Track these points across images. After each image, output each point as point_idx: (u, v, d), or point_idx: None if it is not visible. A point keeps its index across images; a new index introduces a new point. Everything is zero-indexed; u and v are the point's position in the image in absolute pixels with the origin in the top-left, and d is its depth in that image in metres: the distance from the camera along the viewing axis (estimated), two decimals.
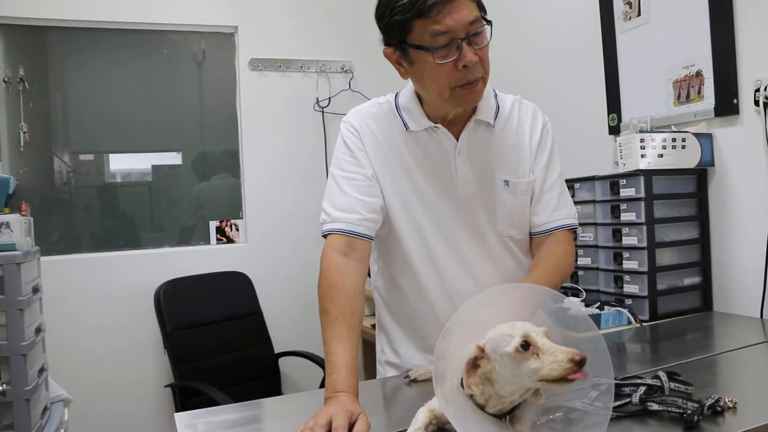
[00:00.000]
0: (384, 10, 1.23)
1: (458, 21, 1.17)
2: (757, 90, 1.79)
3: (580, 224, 2.03)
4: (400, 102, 1.39)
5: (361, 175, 1.34)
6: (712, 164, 1.94)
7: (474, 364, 0.85)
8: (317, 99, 3.47)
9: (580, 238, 2.06)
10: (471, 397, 0.88)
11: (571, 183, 2.07)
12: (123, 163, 3.31)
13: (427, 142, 1.36)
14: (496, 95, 1.41)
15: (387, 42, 1.27)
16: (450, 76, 1.22)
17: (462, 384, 0.87)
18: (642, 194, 1.82)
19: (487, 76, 1.26)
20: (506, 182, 1.38)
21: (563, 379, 0.80)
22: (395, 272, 1.43)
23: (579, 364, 0.78)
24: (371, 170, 1.35)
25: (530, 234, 1.45)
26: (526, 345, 0.80)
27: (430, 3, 1.16)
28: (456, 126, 1.36)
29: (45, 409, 2.00)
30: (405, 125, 1.36)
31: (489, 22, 1.23)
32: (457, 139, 1.35)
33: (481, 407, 0.87)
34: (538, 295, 0.96)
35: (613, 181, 1.91)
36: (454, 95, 1.25)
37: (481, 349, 0.85)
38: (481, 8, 1.23)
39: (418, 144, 1.36)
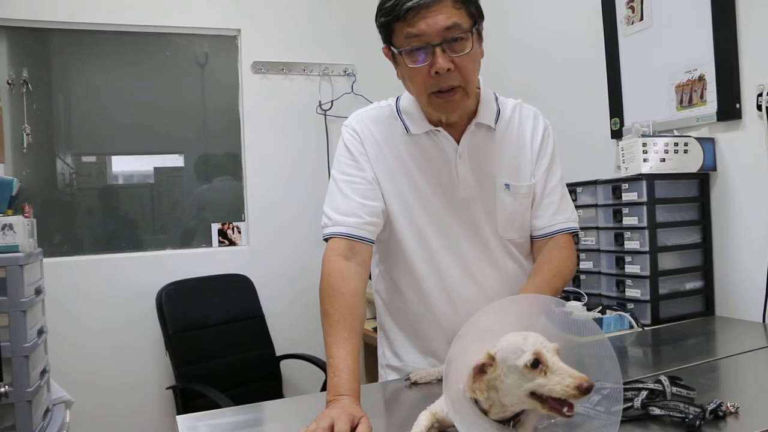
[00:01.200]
0: (377, 11, 1.25)
1: (432, 26, 1.17)
2: (760, 94, 1.79)
3: (582, 228, 2.03)
4: (401, 105, 1.39)
5: (363, 179, 1.34)
6: (715, 169, 1.94)
7: (481, 370, 0.85)
8: (320, 102, 3.47)
9: (582, 242, 2.06)
10: (476, 402, 0.88)
11: (573, 187, 2.07)
12: (125, 165, 3.32)
13: (428, 145, 1.36)
14: (497, 99, 1.41)
15: (383, 41, 1.28)
16: (424, 82, 1.23)
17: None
18: (644, 198, 1.82)
19: (468, 85, 1.24)
20: (507, 186, 1.38)
21: (555, 407, 0.80)
22: (396, 275, 1.43)
23: (584, 391, 0.79)
24: (372, 174, 1.36)
25: (531, 237, 1.45)
26: (536, 363, 0.81)
27: (406, 7, 1.17)
28: (457, 129, 1.36)
29: (47, 410, 2.01)
30: (406, 128, 1.36)
31: (477, 31, 1.23)
32: (458, 143, 1.35)
33: (485, 412, 0.87)
34: (546, 305, 0.96)
35: (615, 185, 1.91)
36: (431, 102, 1.26)
37: (492, 357, 0.84)
38: (472, 16, 1.21)
39: (419, 147, 1.36)
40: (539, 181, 1.41)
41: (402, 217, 1.37)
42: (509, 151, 1.39)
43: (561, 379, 0.80)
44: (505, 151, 1.39)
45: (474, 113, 1.36)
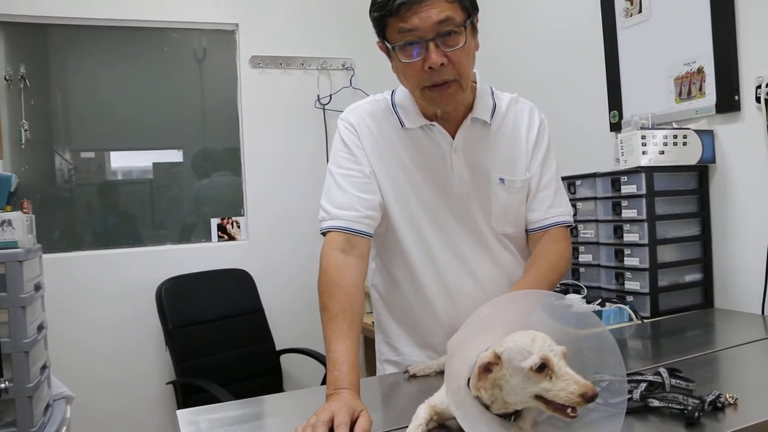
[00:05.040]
0: (370, 5, 1.25)
1: (424, 20, 1.16)
2: (759, 87, 1.79)
3: (581, 221, 2.03)
4: (396, 99, 1.39)
5: (359, 172, 1.34)
6: (714, 161, 1.94)
7: (486, 369, 0.85)
8: (318, 96, 3.47)
9: (582, 235, 2.06)
10: (478, 397, 0.88)
11: (572, 180, 2.07)
12: (124, 161, 3.31)
13: (423, 139, 1.36)
14: (492, 93, 1.41)
15: (377, 36, 1.28)
16: (418, 76, 1.22)
17: (468, 384, 0.87)
18: (643, 191, 1.82)
19: (462, 78, 1.24)
20: (502, 180, 1.37)
21: (559, 408, 0.80)
22: (393, 269, 1.43)
23: (588, 399, 0.79)
24: (369, 167, 1.35)
25: (526, 231, 1.44)
26: (542, 367, 0.81)
27: (399, 2, 1.17)
28: (452, 124, 1.35)
29: (47, 406, 2.01)
30: (401, 122, 1.36)
31: (471, 24, 1.22)
32: (453, 137, 1.35)
33: (486, 407, 0.87)
34: (546, 301, 0.96)
35: (615, 178, 1.91)
36: (425, 96, 1.26)
37: (498, 356, 0.84)
38: (466, 10, 1.21)
39: (414, 141, 1.36)
40: (534, 174, 1.41)
41: (398, 211, 1.37)
42: (504, 145, 1.39)
43: (566, 385, 0.79)
44: (500, 146, 1.38)
45: (470, 107, 1.35)
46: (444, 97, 1.25)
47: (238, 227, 3.38)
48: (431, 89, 1.23)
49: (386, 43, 1.24)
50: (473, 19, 1.23)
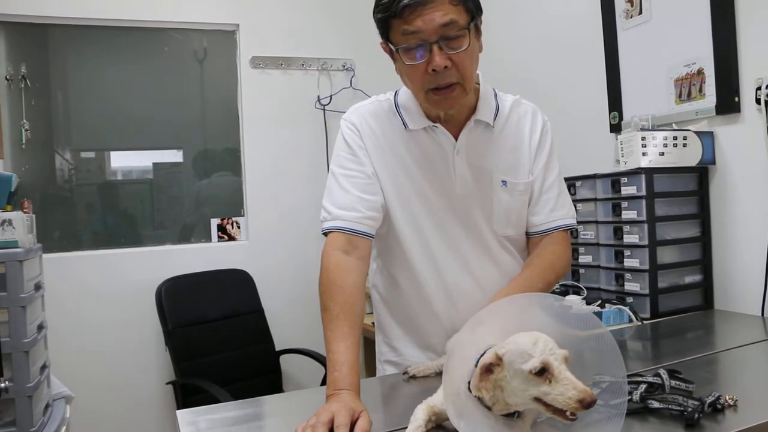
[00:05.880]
0: (374, 6, 1.24)
1: (428, 22, 1.16)
2: (759, 88, 1.79)
3: (582, 222, 2.03)
4: (399, 100, 1.38)
5: (362, 173, 1.34)
6: (713, 162, 1.94)
7: (488, 370, 0.85)
8: (318, 97, 3.47)
9: (581, 236, 2.07)
10: (479, 398, 0.87)
11: (572, 181, 2.07)
12: (124, 161, 3.31)
13: (425, 140, 1.36)
14: (495, 95, 1.41)
15: (381, 36, 1.28)
16: (422, 79, 1.22)
17: (469, 386, 0.87)
18: (643, 192, 1.83)
19: (465, 81, 1.24)
20: (504, 182, 1.37)
21: (559, 411, 0.80)
22: (394, 270, 1.43)
23: (587, 406, 0.79)
24: (371, 168, 1.35)
25: (528, 234, 1.44)
26: (542, 370, 0.80)
27: (403, 4, 1.16)
28: (455, 125, 1.35)
29: (47, 406, 2.01)
30: (404, 124, 1.36)
31: (475, 27, 1.22)
32: (456, 139, 1.35)
33: (488, 408, 0.87)
34: (545, 303, 0.96)
35: (615, 179, 1.92)
36: (428, 99, 1.26)
37: (499, 358, 0.84)
38: (470, 12, 1.20)
39: (416, 143, 1.36)
40: (537, 177, 1.40)
41: (400, 212, 1.37)
42: (507, 147, 1.39)
43: (565, 389, 0.79)
44: (502, 148, 1.38)
45: (473, 109, 1.35)
46: (448, 100, 1.25)
47: (238, 227, 3.38)
48: (435, 92, 1.23)
49: (390, 44, 1.24)
50: (477, 21, 1.23)
